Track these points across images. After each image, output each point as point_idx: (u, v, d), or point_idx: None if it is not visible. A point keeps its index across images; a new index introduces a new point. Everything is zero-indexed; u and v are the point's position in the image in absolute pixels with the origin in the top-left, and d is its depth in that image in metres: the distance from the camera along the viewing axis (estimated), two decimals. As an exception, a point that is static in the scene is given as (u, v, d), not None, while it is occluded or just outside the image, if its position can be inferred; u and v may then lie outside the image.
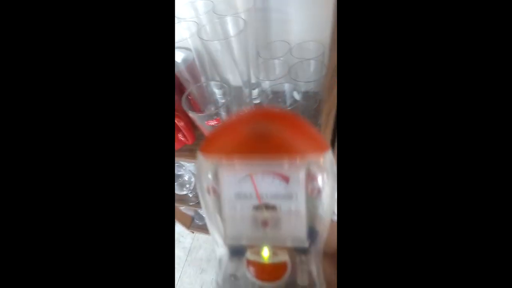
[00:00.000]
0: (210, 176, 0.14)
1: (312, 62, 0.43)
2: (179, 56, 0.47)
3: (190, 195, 0.84)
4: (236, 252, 0.15)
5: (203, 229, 1.03)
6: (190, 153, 0.51)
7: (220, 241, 0.15)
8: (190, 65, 0.44)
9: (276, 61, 0.45)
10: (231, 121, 0.14)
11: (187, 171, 0.82)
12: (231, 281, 0.15)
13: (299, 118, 0.14)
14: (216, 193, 0.14)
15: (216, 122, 0.38)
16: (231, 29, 0.39)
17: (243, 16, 0.37)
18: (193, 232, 1.10)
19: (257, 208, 0.14)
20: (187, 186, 0.82)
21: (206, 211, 0.15)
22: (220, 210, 0.14)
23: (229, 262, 0.15)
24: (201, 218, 1.04)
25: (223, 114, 0.38)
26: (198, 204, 0.82)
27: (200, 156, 0.14)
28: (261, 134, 0.13)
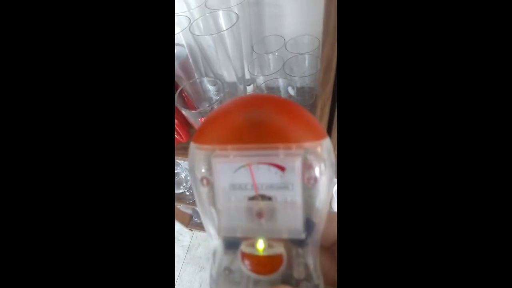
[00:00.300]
0: (203, 166, 0.14)
1: (307, 57, 0.43)
2: (172, 52, 0.46)
3: (187, 193, 0.83)
4: (231, 244, 0.15)
5: (202, 227, 1.03)
6: (185, 151, 0.51)
7: (214, 233, 0.15)
8: (182, 61, 0.43)
9: (271, 56, 0.45)
10: (223, 109, 0.14)
11: (183, 169, 0.81)
12: (225, 274, 0.14)
13: (294, 104, 0.13)
14: (210, 184, 0.14)
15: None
16: (224, 24, 0.39)
17: (236, 10, 0.36)
18: (191, 230, 1.10)
19: (252, 199, 0.14)
20: (184, 184, 0.82)
21: (200, 203, 0.15)
22: (214, 202, 0.14)
23: (223, 255, 0.15)
24: (200, 216, 1.04)
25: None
26: (195, 202, 0.82)
27: (192, 146, 0.14)
28: (255, 122, 0.13)
